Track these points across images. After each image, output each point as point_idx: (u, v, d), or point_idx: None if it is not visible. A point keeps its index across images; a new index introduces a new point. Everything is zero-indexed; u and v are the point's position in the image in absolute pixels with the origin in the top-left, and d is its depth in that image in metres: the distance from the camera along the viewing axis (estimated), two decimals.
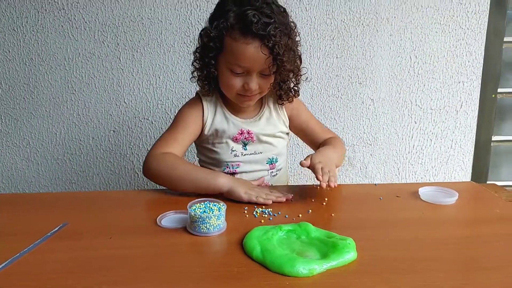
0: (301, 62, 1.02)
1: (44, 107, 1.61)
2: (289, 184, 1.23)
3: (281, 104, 1.09)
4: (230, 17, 0.89)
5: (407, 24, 1.61)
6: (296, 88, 1.06)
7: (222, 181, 0.89)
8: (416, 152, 1.74)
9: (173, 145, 1.00)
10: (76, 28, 1.54)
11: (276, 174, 1.12)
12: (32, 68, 1.58)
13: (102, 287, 0.55)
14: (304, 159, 0.90)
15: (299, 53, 1.00)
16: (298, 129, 1.15)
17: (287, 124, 1.13)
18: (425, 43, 1.63)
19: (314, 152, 0.98)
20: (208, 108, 1.04)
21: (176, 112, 1.07)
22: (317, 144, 1.11)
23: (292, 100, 1.08)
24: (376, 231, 0.73)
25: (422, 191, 0.89)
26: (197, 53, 1.00)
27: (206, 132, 1.04)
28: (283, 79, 0.99)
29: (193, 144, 1.12)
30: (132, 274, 0.58)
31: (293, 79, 1.03)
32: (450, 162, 1.76)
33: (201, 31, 0.97)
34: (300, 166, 0.90)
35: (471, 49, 1.65)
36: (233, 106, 1.05)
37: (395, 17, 1.59)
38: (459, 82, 1.68)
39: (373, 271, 0.59)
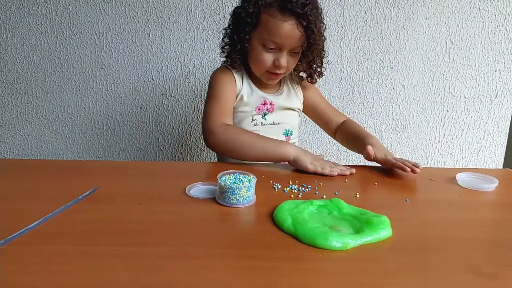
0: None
1: (74, 81, 1.63)
2: None
3: (310, 82, 1.16)
4: None
5: (444, 8, 1.54)
6: (320, 70, 1.13)
7: (290, 150, 0.93)
8: (447, 142, 1.69)
9: (226, 115, 1.05)
10: (107, 2, 1.54)
11: None
12: (63, 41, 1.59)
13: (131, 248, 0.54)
14: (367, 152, 0.94)
15: (324, 38, 1.07)
16: (311, 109, 1.23)
17: (302, 102, 1.20)
18: (462, 28, 1.57)
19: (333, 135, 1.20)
20: (237, 78, 1.10)
21: (209, 82, 1.11)
22: (329, 124, 1.20)
23: (316, 81, 1.15)
24: (410, 211, 0.71)
25: (460, 176, 0.86)
26: (229, 29, 1.06)
27: (235, 100, 1.10)
28: (313, 57, 1.06)
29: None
30: (162, 237, 0.58)
31: (318, 62, 1.10)
32: (481, 153, 1.70)
33: (235, 8, 1.04)
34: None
35: (510, 36, 1.58)
36: (257, 79, 1.11)
37: (431, 0, 1.53)
38: (495, 71, 1.61)
39: (408, 248, 0.57)
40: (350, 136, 1.12)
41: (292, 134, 1.17)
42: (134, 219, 0.64)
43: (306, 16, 0.95)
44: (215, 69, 1.15)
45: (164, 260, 0.51)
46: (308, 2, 0.95)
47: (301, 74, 1.18)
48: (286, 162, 0.95)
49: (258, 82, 1.12)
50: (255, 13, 0.97)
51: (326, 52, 1.10)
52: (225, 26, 1.09)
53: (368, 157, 0.95)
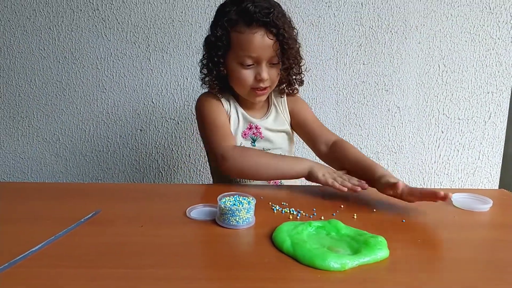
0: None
1: (75, 104, 1.66)
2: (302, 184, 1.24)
3: (288, 94, 1.15)
4: (232, 15, 0.96)
5: (436, 33, 1.59)
6: (299, 77, 1.11)
7: (305, 165, 0.93)
8: (442, 162, 1.71)
9: (231, 138, 1.04)
10: (109, 28, 1.58)
11: None
12: (65, 66, 1.63)
13: (133, 270, 0.55)
14: (397, 188, 0.81)
15: (299, 45, 1.05)
16: (298, 125, 1.16)
17: (289, 122, 1.17)
18: (454, 52, 1.61)
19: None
20: (224, 100, 1.10)
21: (199, 111, 1.10)
22: (317, 143, 1.11)
23: (297, 90, 1.14)
24: (406, 232, 0.72)
25: (455, 197, 0.87)
26: (203, 60, 1.07)
27: None
28: (290, 64, 1.03)
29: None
30: (163, 258, 0.59)
31: (295, 70, 1.08)
32: (477, 173, 1.72)
33: (205, 38, 1.04)
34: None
35: (501, 59, 1.62)
36: (245, 104, 1.11)
37: (424, 25, 1.58)
38: (488, 93, 1.65)
39: (405, 268, 0.58)
40: (349, 161, 1.00)
41: None
42: (135, 241, 0.65)
43: (273, 22, 0.95)
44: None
45: (166, 281, 0.52)
46: (271, 10, 0.95)
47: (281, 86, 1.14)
48: (303, 178, 0.94)
49: (246, 106, 1.11)
50: (224, 35, 0.98)
51: (303, 58, 1.09)
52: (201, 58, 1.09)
53: (394, 193, 0.83)
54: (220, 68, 1.02)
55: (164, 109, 1.65)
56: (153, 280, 0.53)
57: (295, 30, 1.03)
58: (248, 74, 1.01)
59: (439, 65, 1.62)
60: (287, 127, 1.16)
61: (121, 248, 0.62)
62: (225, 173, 0.99)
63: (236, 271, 0.56)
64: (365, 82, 1.63)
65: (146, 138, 1.68)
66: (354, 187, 0.86)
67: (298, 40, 1.04)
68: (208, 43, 1.03)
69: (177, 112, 1.66)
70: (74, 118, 1.67)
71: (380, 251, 0.61)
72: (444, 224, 0.76)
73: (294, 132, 1.20)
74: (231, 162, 0.96)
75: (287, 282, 0.53)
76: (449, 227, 0.75)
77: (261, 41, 0.96)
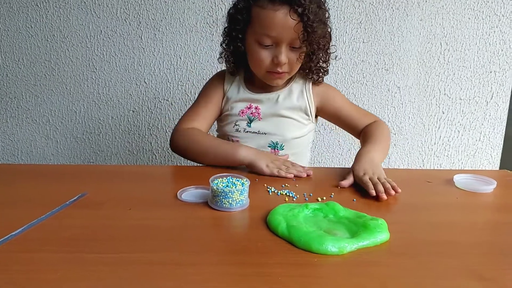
0: (330, 38, 0.99)
1: (65, 84, 1.61)
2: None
3: (312, 83, 1.06)
4: None
5: (438, 9, 1.54)
6: (325, 66, 1.03)
7: (243, 154, 0.89)
8: (443, 144, 1.68)
9: (197, 120, 1.02)
10: (99, 5, 1.52)
11: None
12: (53, 44, 1.57)
13: (121, 255, 0.52)
14: (345, 179, 0.82)
15: (330, 28, 0.97)
16: (333, 116, 1.08)
17: (310, 113, 1.06)
18: (456, 29, 1.56)
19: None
20: (228, 79, 1.07)
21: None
22: (356, 129, 1.05)
23: (322, 80, 1.06)
24: (407, 214, 0.69)
25: (457, 178, 0.84)
26: (224, 34, 1.02)
27: (222, 103, 1.08)
28: (313, 49, 0.94)
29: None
30: (153, 243, 0.56)
31: (322, 56, 1.00)
32: (477, 155, 1.69)
33: (229, 10, 0.99)
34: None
35: (505, 37, 1.58)
36: (254, 82, 1.06)
37: (426, 1, 1.53)
38: (490, 72, 1.61)
39: (407, 252, 0.55)
40: (362, 143, 1.00)
41: (282, 149, 1.04)
42: (123, 225, 0.62)
43: (299, 1, 0.86)
44: (208, 72, 1.13)
45: (155, 267, 0.49)
46: None
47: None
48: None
49: (256, 84, 1.05)
50: (245, 8, 0.92)
51: (333, 46, 1.00)
52: (218, 29, 1.07)
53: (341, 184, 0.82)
54: (237, 44, 0.96)
55: (157, 89, 1.61)
56: (142, 266, 0.49)
57: (327, 13, 0.95)
58: (265, 55, 0.93)
59: (441, 43, 1.57)
60: (299, 116, 1.05)
61: (108, 232, 0.59)
62: (172, 151, 1.02)
63: (229, 255, 0.53)
64: (365, 61, 1.59)
65: (138, 119, 1.64)
66: (299, 173, 0.86)
67: (328, 24, 0.96)
68: (229, 15, 0.98)
69: (170, 93, 1.61)
70: (64, 98, 1.63)
71: (380, 234, 0.58)
72: (446, 206, 0.73)
73: (315, 123, 1.12)
74: (175, 141, 1.00)
75: (282, 267, 0.50)
76: (452, 209, 0.72)
77: (283, 20, 0.88)
